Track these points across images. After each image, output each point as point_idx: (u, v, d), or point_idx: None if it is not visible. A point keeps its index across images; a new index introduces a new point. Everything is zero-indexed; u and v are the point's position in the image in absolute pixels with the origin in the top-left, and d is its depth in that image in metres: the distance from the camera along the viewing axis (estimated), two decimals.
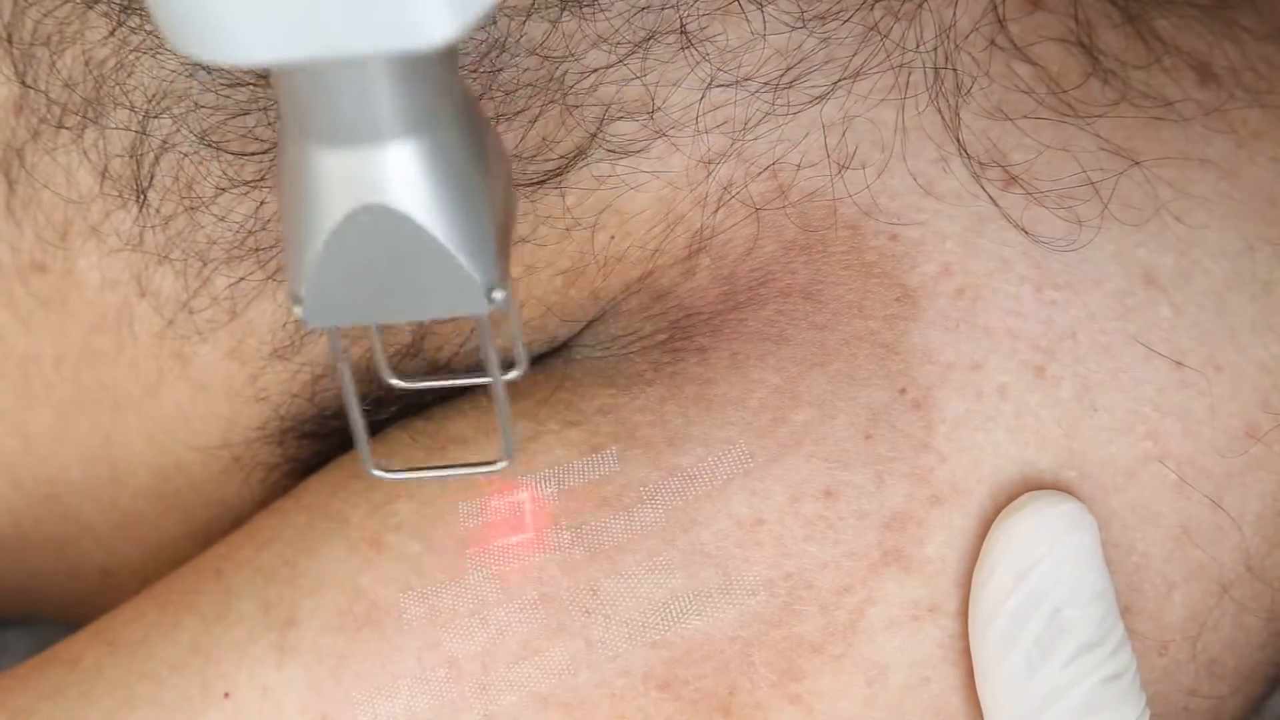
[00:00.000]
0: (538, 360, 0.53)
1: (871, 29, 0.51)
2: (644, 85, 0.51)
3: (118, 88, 0.52)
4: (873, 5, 0.51)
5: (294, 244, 0.43)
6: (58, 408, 0.57)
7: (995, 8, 0.52)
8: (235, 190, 0.53)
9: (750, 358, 0.51)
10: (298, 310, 0.43)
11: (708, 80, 0.51)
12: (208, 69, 0.52)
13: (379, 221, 0.42)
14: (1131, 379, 0.50)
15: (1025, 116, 0.51)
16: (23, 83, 0.53)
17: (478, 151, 0.43)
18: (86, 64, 0.52)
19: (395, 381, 0.48)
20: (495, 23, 0.51)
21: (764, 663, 0.49)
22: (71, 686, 0.52)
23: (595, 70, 0.51)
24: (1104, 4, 0.53)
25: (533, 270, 0.52)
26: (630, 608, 0.50)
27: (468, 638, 0.50)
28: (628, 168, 0.51)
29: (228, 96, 0.52)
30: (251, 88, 0.52)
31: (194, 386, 0.56)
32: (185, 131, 0.52)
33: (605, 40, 0.51)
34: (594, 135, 0.51)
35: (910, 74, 0.51)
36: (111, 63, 0.52)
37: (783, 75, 0.51)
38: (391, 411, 0.54)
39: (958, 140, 0.51)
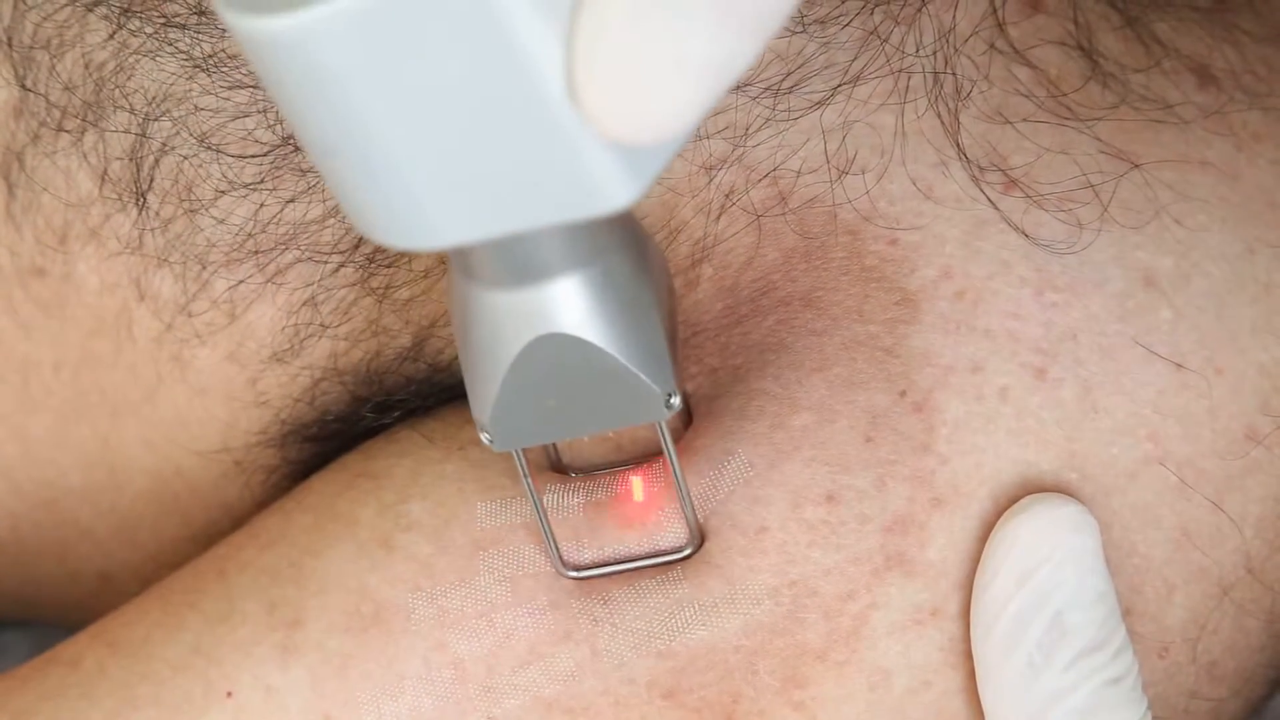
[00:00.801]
0: None
1: (871, 33, 0.51)
2: None
3: (117, 90, 0.52)
4: (872, 10, 0.51)
5: (475, 375, 0.45)
6: (57, 412, 0.57)
7: (995, 11, 0.52)
8: (235, 193, 0.53)
9: (751, 369, 0.51)
10: (484, 437, 0.46)
11: None
12: (208, 72, 0.52)
13: (556, 348, 0.44)
14: (1132, 381, 0.50)
15: (1025, 120, 0.51)
16: (22, 86, 0.53)
17: (642, 267, 0.44)
18: (86, 67, 0.52)
19: (572, 475, 0.52)
20: None
21: (768, 670, 0.49)
22: (73, 687, 0.52)
23: None
24: (1103, 7, 0.53)
25: None
26: (637, 616, 0.50)
27: (474, 640, 0.50)
28: None
29: (227, 99, 0.52)
30: (251, 90, 0.52)
31: (193, 390, 0.55)
32: (185, 134, 0.52)
33: None
34: None
35: (910, 78, 0.51)
36: (111, 66, 0.52)
37: (783, 80, 0.51)
38: (394, 416, 0.54)
39: (957, 144, 0.51)
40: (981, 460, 0.50)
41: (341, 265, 0.53)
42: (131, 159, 0.53)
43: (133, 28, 0.52)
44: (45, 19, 0.52)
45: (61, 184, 0.54)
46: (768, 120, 0.51)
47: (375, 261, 0.53)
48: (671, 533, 0.50)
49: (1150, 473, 0.50)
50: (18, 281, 0.55)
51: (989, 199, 0.51)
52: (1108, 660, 0.48)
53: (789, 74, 0.51)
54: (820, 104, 0.51)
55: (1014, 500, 0.50)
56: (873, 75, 0.51)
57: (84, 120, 0.53)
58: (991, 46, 0.52)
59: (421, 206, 0.40)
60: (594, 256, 0.43)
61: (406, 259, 0.53)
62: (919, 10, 0.51)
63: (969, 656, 0.49)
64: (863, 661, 0.49)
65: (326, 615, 0.51)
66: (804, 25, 0.51)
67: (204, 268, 0.53)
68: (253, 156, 0.52)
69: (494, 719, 0.50)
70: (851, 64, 0.51)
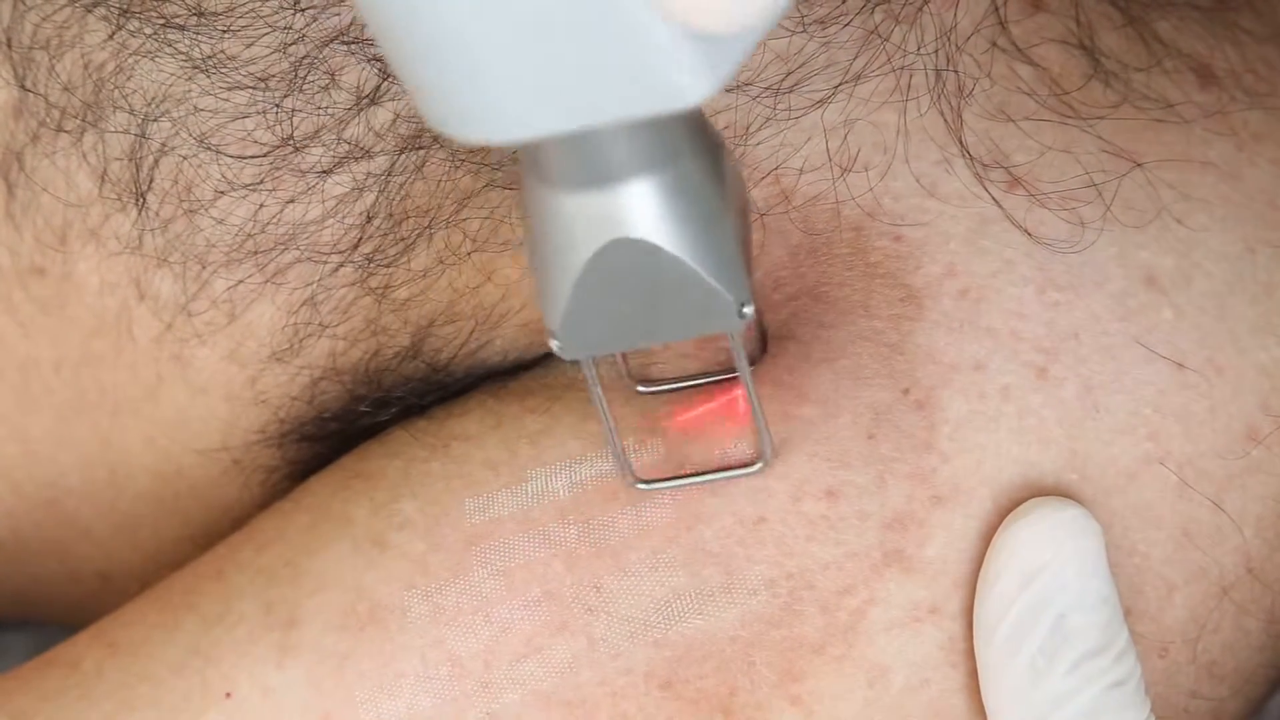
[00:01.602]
0: (552, 359, 0.53)
1: (872, 32, 0.51)
2: None
3: (117, 91, 0.52)
4: (873, 9, 0.51)
5: (546, 282, 0.44)
6: (57, 412, 0.57)
7: (996, 10, 0.52)
8: (234, 193, 0.53)
9: (763, 360, 0.51)
10: (554, 344, 0.45)
11: None
12: (207, 73, 0.52)
13: (628, 254, 0.43)
14: (1133, 380, 0.50)
15: (1027, 118, 0.51)
16: (22, 86, 0.53)
17: (716, 174, 0.44)
18: (85, 67, 0.52)
19: (641, 388, 0.51)
20: None
21: (764, 663, 0.49)
22: (72, 688, 0.52)
23: None
24: (1105, 6, 0.53)
25: None
26: (633, 605, 0.50)
27: (471, 635, 0.50)
28: None
29: (226, 100, 0.52)
30: (250, 91, 0.52)
31: (193, 390, 0.56)
32: (184, 134, 0.52)
33: None
34: None
35: (912, 76, 0.51)
36: (110, 66, 0.52)
37: (784, 79, 0.51)
38: (392, 413, 0.54)
39: (960, 142, 0.51)
40: (983, 459, 0.50)
41: (341, 265, 0.53)
42: (131, 159, 0.53)
43: (132, 28, 0.52)
44: (45, 19, 0.52)
45: (61, 184, 0.54)
46: (768, 119, 0.51)
47: (374, 261, 0.53)
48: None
49: (1151, 472, 0.50)
50: (18, 281, 0.55)
51: (992, 197, 0.51)
52: (1110, 664, 0.48)
53: (789, 73, 0.51)
54: (822, 103, 0.51)
55: (1015, 500, 0.50)
56: (874, 74, 0.51)
57: (83, 121, 0.53)
58: (993, 45, 0.52)
59: (494, 98, 0.39)
60: (668, 160, 0.42)
61: (405, 258, 0.53)
62: (920, 9, 0.51)
63: (969, 655, 0.49)
64: (860, 657, 0.49)
65: (322, 615, 0.51)
66: (804, 25, 0.51)
67: (204, 268, 0.54)
68: (252, 157, 0.52)
69: (492, 714, 0.50)
70: (853, 63, 0.51)
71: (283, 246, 0.53)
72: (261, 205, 0.53)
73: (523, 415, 0.52)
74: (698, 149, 0.43)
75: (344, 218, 0.53)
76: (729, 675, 0.49)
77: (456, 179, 0.52)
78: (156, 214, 0.53)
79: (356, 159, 0.52)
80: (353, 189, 0.52)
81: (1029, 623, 0.48)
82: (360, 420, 0.55)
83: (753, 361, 0.50)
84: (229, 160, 0.52)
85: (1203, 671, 0.52)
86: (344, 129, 0.52)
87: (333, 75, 0.51)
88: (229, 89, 0.52)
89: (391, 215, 0.53)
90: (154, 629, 0.52)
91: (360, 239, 0.53)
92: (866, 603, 0.49)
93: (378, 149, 0.52)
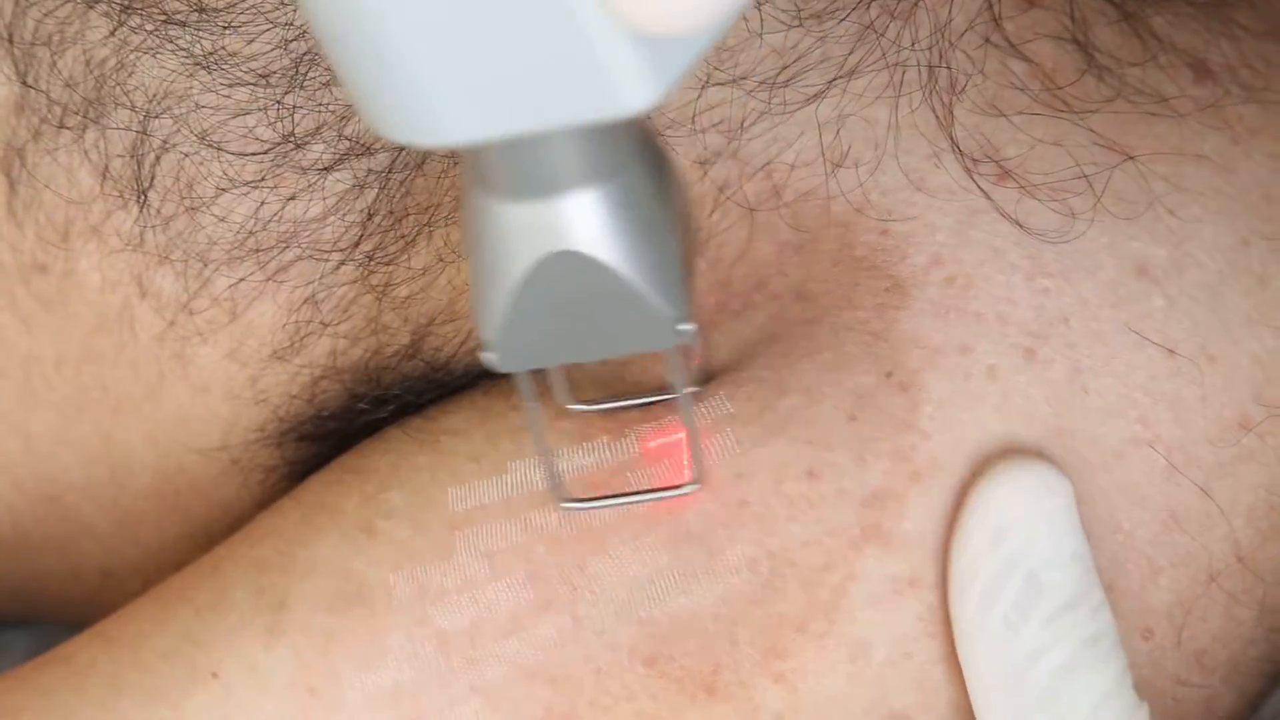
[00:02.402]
0: None
1: (867, 27, 0.52)
2: None
3: (118, 88, 0.52)
4: (869, 4, 0.52)
5: (483, 293, 0.43)
6: (59, 409, 0.57)
7: (991, 6, 0.52)
8: (236, 190, 0.53)
9: (742, 360, 0.51)
10: (490, 357, 0.44)
11: (704, 79, 0.51)
12: (208, 69, 0.52)
13: (567, 267, 0.42)
14: (1124, 364, 0.50)
15: (1019, 113, 0.51)
16: (23, 82, 0.53)
17: (660, 187, 0.43)
18: (87, 64, 0.52)
19: (576, 406, 0.50)
20: None
21: (747, 641, 0.49)
22: (64, 680, 0.52)
23: None
24: (1100, 2, 0.53)
25: None
26: (616, 585, 0.50)
27: (457, 613, 0.50)
28: None
29: (228, 96, 0.52)
30: (251, 88, 0.52)
31: (194, 388, 0.56)
32: (186, 132, 0.52)
33: None
34: None
35: (905, 72, 0.51)
36: (112, 62, 0.52)
37: (779, 74, 0.52)
38: (390, 410, 0.55)
39: (950, 137, 0.51)
40: (964, 435, 0.50)
41: (342, 263, 0.53)
42: (132, 156, 0.53)
43: (133, 25, 0.52)
44: (46, 15, 0.52)
45: (63, 181, 0.54)
46: (762, 114, 0.51)
47: (375, 259, 0.53)
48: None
49: (1139, 454, 0.50)
50: (19, 278, 0.55)
51: (981, 189, 0.51)
52: (1085, 619, 0.48)
53: (784, 68, 0.52)
54: (816, 97, 0.51)
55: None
56: (868, 69, 0.51)
57: (85, 117, 0.53)
58: (987, 41, 0.52)
59: (432, 101, 0.38)
60: (612, 172, 0.42)
61: (405, 256, 0.53)
62: (915, 4, 0.52)
63: (947, 625, 0.49)
64: (842, 634, 0.49)
65: (311, 597, 0.51)
66: (800, 20, 0.52)
67: (205, 265, 0.54)
68: (253, 154, 0.52)
69: (476, 689, 0.50)
70: (848, 58, 0.51)
71: (284, 244, 0.53)
72: (263, 203, 0.53)
73: (507, 411, 0.52)
74: (644, 162, 0.42)
75: (345, 215, 0.53)
76: (712, 653, 0.50)
77: (456, 175, 0.52)
78: (158, 211, 0.53)
79: (357, 155, 0.52)
80: (354, 186, 0.53)
81: (1001, 580, 0.48)
82: (359, 419, 0.55)
83: (696, 384, 0.50)
84: (230, 157, 0.52)
85: (1190, 659, 0.52)
86: (344, 125, 0.52)
87: (333, 71, 0.52)
88: (230, 85, 0.52)
89: (392, 212, 0.53)
90: (148, 622, 0.52)
91: (361, 236, 0.53)
92: (847, 579, 0.49)
93: (378, 145, 0.52)
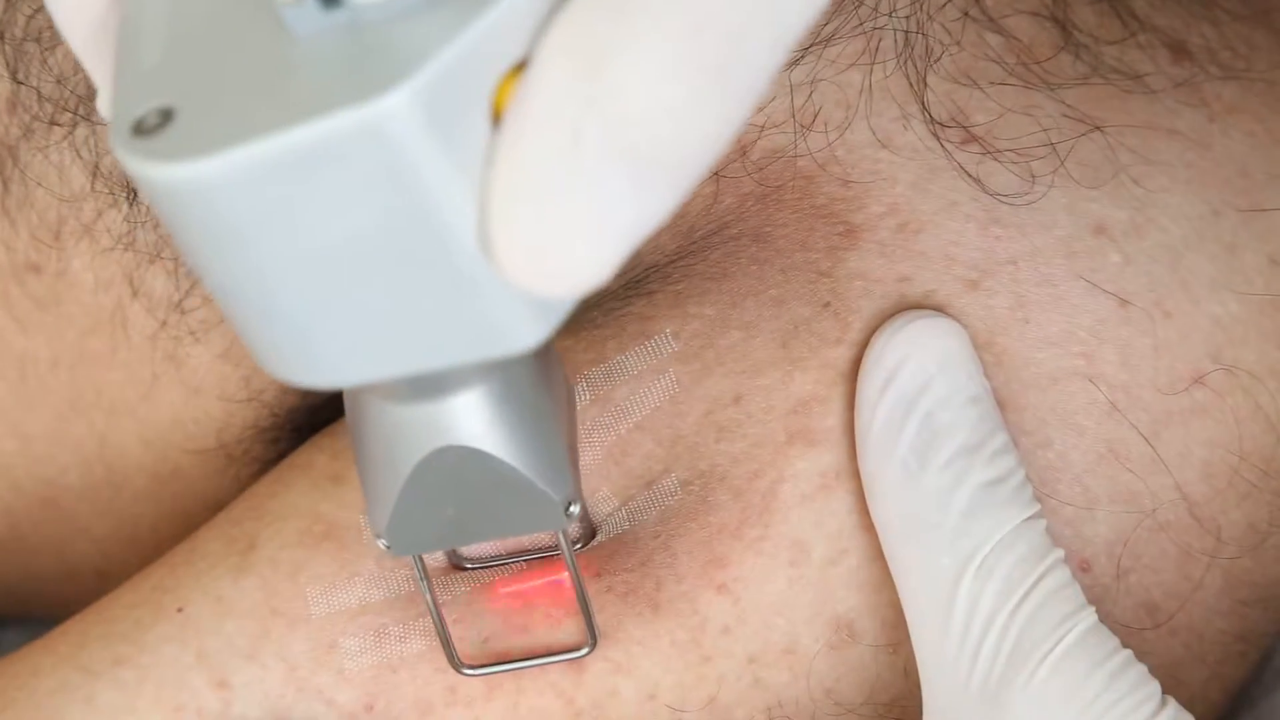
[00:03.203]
0: None
1: None
2: None
3: None
4: None
5: (371, 485, 0.45)
6: (55, 409, 0.57)
7: None
8: None
9: (691, 295, 0.51)
10: (382, 543, 0.45)
11: None
12: None
13: (456, 459, 0.43)
14: (1070, 305, 0.50)
15: (992, 83, 0.52)
16: (14, 79, 0.53)
17: (543, 375, 0.44)
18: (77, 60, 0.53)
19: (466, 565, 0.51)
20: None
21: (685, 552, 0.50)
22: (38, 646, 0.53)
23: None
24: None
25: None
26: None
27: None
28: None
29: None
30: None
31: (188, 390, 0.56)
32: None
33: None
34: None
35: (880, 40, 0.52)
36: None
37: None
38: None
39: (921, 102, 0.51)
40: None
41: None
42: None
43: None
44: (37, 11, 0.52)
45: (55, 179, 0.54)
46: None
47: None
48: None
49: (1076, 384, 0.50)
50: (14, 277, 0.56)
51: (945, 150, 0.51)
52: (985, 462, 0.48)
53: None
54: (791, 64, 0.52)
55: None
56: (844, 36, 0.52)
57: (75, 114, 0.53)
58: (965, 14, 0.52)
59: (324, 348, 0.39)
60: (495, 370, 0.43)
61: None
62: None
63: None
64: (779, 536, 0.49)
65: (280, 536, 0.51)
66: None
67: None
68: None
69: (444, 604, 0.50)
70: (824, 25, 0.52)
71: None
72: None
73: None
74: (525, 355, 0.42)
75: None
76: (653, 569, 0.50)
77: None
78: (147, 209, 0.54)
79: None
80: None
81: (897, 423, 0.48)
82: None
83: (581, 542, 0.51)
84: None
85: (1140, 609, 0.51)
86: None
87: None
88: None
89: None
90: (124, 589, 0.53)
91: None
92: (776, 481, 0.49)
93: None
